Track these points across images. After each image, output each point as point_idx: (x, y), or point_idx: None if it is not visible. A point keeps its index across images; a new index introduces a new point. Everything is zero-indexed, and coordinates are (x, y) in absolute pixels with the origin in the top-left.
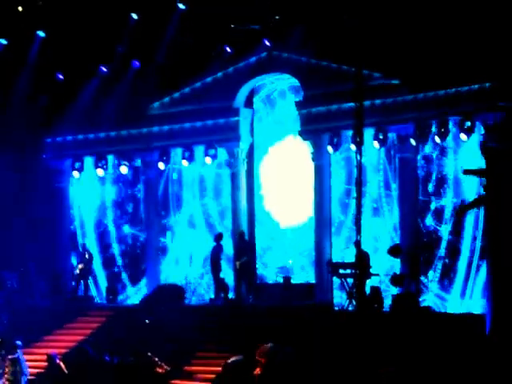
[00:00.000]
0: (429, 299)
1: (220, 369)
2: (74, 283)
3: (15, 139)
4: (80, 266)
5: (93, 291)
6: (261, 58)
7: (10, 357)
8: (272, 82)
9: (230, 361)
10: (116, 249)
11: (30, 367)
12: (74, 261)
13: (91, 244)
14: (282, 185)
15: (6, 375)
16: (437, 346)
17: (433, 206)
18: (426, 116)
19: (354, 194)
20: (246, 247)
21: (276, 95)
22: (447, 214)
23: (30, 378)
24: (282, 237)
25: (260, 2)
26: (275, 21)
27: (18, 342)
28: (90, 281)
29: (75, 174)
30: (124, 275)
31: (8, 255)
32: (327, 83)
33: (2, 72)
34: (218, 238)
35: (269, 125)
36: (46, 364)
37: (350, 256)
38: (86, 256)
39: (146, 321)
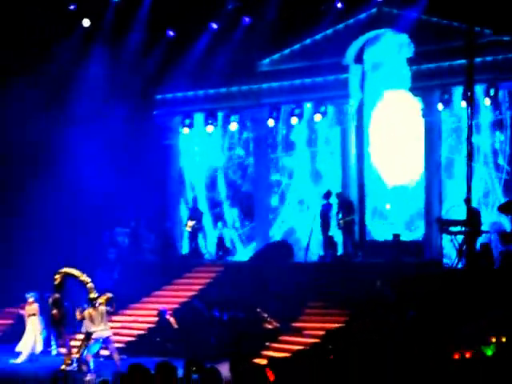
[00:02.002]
0: None
1: (329, 325)
2: (184, 240)
3: (127, 95)
4: (190, 223)
5: (202, 248)
6: (371, 14)
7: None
8: (382, 38)
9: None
10: (226, 206)
11: (141, 322)
12: (184, 218)
13: (201, 201)
14: (390, 141)
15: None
16: None
17: None
18: None
19: (465, 152)
20: (349, 205)
21: (385, 51)
22: None
23: (141, 332)
24: (391, 193)
25: None
26: None
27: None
28: (200, 237)
29: (185, 130)
30: (234, 232)
31: (120, 211)
32: (438, 40)
33: (115, 28)
34: (327, 195)
35: (378, 81)
36: (156, 319)
37: (459, 214)
38: (196, 213)
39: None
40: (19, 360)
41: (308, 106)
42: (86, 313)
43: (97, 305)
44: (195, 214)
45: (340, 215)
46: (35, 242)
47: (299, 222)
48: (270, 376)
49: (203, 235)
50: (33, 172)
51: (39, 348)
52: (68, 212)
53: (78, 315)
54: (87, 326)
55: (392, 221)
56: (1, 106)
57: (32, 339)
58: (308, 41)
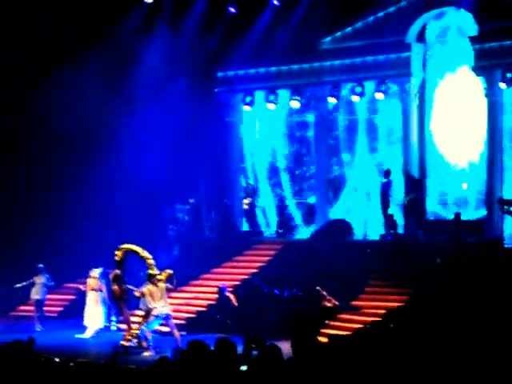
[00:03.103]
0: None
1: (389, 304)
2: (243, 217)
3: (188, 73)
4: (245, 201)
5: (262, 225)
6: None
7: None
8: (445, 17)
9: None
10: (286, 183)
11: (201, 299)
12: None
13: (262, 179)
14: (452, 120)
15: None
16: None
17: None
18: None
19: None
20: (414, 183)
21: (448, 29)
22: None
23: (201, 309)
24: (452, 173)
25: None
26: None
27: None
28: (260, 215)
29: (246, 108)
30: (293, 210)
31: (180, 188)
32: (502, 19)
33: (176, 5)
34: (387, 173)
35: (440, 60)
36: (215, 296)
37: None
38: (251, 190)
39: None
40: (86, 335)
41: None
42: (145, 289)
43: (156, 281)
44: (250, 191)
45: (404, 193)
46: (97, 219)
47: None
48: None
49: (263, 213)
50: (95, 149)
51: (101, 323)
52: (129, 189)
53: (136, 293)
54: (147, 302)
55: (453, 200)
56: (64, 83)
57: (95, 314)
58: (370, 18)
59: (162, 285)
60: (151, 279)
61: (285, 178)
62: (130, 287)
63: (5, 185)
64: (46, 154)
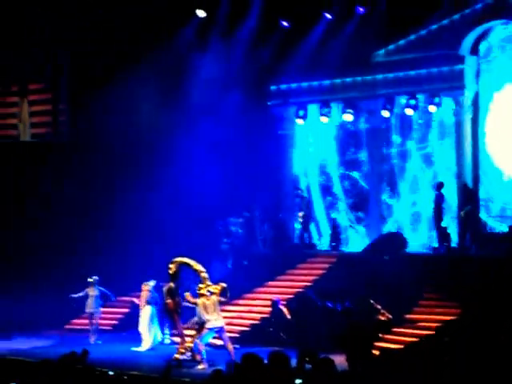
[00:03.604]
0: None
1: (442, 317)
2: (296, 231)
3: (242, 86)
4: (300, 214)
5: (315, 238)
6: (488, 4)
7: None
8: (498, 29)
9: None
10: (340, 196)
11: (254, 312)
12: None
13: (315, 192)
14: (507, 132)
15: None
16: None
17: None
18: None
19: None
20: (469, 196)
21: (502, 42)
22: None
23: (254, 322)
24: (506, 185)
25: None
26: None
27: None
28: (313, 228)
29: (299, 121)
30: (347, 223)
31: (233, 201)
32: None
33: (229, 19)
34: (439, 186)
35: (494, 72)
36: (269, 309)
37: None
38: (305, 203)
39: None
40: (141, 348)
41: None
42: (199, 302)
43: (210, 294)
44: (304, 204)
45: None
46: (150, 232)
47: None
48: None
49: (316, 226)
50: (149, 161)
51: (155, 337)
52: (183, 202)
53: (188, 297)
54: (201, 315)
55: (509, 212)
56: (118, 95)
57: (150, 328)
58: (424, 31)
59: (214, 298)
60: (204, 292)
61: (338, 190)
62: (187, 302)
63: (58, 198)
64: (100, 167)
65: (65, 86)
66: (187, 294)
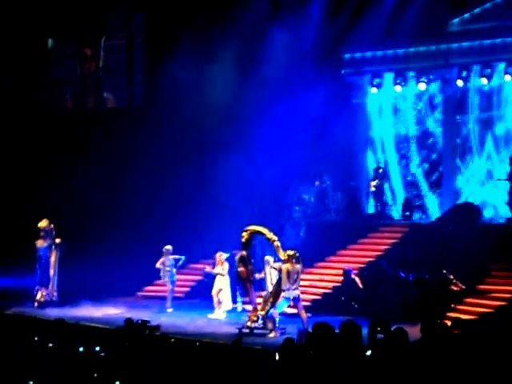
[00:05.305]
0: None
1: None
2: (369, 200)
3: (315, 54)
4: (373, 183)
5: (388, 208)
6: None
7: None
8: None
9: None
10: (413, 165)
11: (326, 281)
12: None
13: (390, 160)
14: None
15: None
16: None
17: None
18: None
19: None
20: None
21: None
22: None
23: (326, 291)
24: None
25: None
26: None
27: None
28: (386, 197)
29: (373, 90)
30: (421, 192)
31: (307, 170)
32: None
33: None
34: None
35: None
36: (341, 278)
37: None
38: (379, 172)
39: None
40: (214, 316)
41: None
42: (284, 268)
43: (294, 261)
44: (378, 173)
45: None
46: (224, 201)
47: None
48: None
49: (391, 195)
50: (222, 131)
51: (228, 305)
52: (256, 170)
53: (275, 265)
54: (282, 282)
55: None
56: (191, 63)
57: (222, 295)
58: None
59: (298, 266)
60: (290, 259)
61: (413, 159)
62: (271, 267)
63: (136, 166)
64: (175, 137)
65: (139, 51)
66: (271, 259)
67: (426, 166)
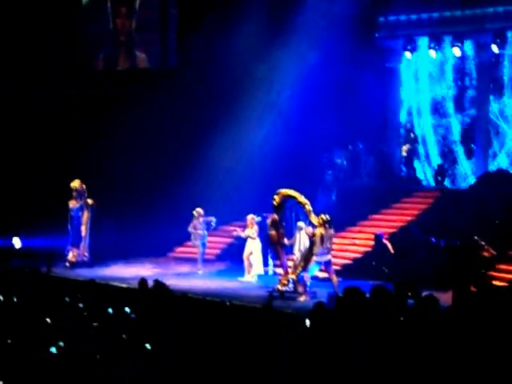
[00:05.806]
0: None
1: None
2: (402, 164)
3: (349, 18)
4: (405, 148)
5: (420, 173)
6: None
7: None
8: None
9: None
10: (449, 130)
11: (357, 245)
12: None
13: (426, 125)
14: None
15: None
16: None
17: None
18: None
19: None
20: None
21: None
22: None
23: (357, 255)
24: None
25: None
26: None
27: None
28: (418, 162)
29: (407, 54)
30: (454, 157)
31: (339, 133)
32: None
33: None
34: None
35: None
36: (372, 243)
37: None
38: (412, 136)
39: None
40: (245, 278)
41: None
42: (317, 232)
43: (327, 226)
44: (410, 137)
45: None
46: (256, 164)
47: None
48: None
49: (426, 159)
50: (254, 94)
51: (259, 269)
52: (287, 133)
53: (308, 231)
54: (315, 246)
55: None
56: (225, 27)
57: (254, 258)
58: None
59: (331, 231)
60: (325, 223)
61: (447, 123)
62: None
63: (166, 129)
64: (203, 98)
65: (174, 14)
66: (303, 225)
67: (460, 131)
